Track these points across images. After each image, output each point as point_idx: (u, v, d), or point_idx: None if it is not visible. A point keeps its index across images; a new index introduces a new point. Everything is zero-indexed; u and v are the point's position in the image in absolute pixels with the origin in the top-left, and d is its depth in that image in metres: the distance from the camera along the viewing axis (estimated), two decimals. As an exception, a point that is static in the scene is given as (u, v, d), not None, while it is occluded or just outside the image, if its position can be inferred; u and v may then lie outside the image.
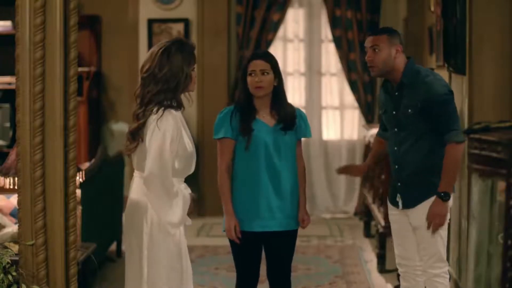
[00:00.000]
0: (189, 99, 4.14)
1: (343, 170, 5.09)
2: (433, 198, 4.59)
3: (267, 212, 4.56)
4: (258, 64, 4.55)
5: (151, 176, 3.95)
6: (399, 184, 4.72)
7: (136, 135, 4.04)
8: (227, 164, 4.58)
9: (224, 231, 4.61)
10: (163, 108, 3.98)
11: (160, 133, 3.94)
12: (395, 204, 4.76)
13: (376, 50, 4.61)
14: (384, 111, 4.78)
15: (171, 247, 4.04)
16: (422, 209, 4.61)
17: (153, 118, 3.97)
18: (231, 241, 4.58)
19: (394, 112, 4.67)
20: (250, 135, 4.53)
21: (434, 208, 4.55)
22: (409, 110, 4.59)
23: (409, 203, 4.67)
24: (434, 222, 4.56)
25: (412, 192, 4.65)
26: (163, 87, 3.99)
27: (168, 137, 3.94)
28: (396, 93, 4.66)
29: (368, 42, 4.66)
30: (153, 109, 3.99)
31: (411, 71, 4.62)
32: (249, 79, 4.56)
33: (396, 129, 4.69)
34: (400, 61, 4.63)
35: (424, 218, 4.60)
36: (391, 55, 4.60)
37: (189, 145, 4.07)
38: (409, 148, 4.63)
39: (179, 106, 4.04)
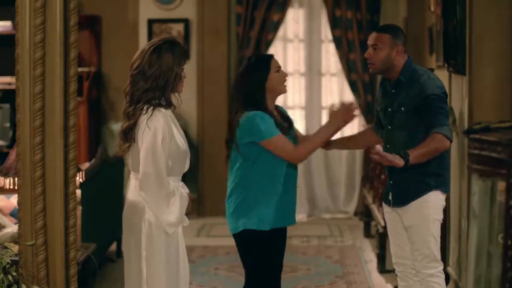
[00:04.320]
0: (179, 99, 4.14)
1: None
2: (424, 198, 4.60)
3: (295, 205, 4.60)
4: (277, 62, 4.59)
5: (145, 176, 3.95)
6: (391, 182, 4.74)
7: (128, 135, 4.05)
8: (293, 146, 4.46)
9: (236, 232, 4.51)
10: (152, 107, 3.98)
11: (150, 133, 3.94)
12: (388, 202, 4.77)
13: (376, 49, 4.62)
14: (380, 108, 4.80)
15: (169, 247, 4.04)
16: (414, 209, 4.62)
17: (143, 118, 3.98)
18: (254, 241, 4.53)
19: (389, 109, 4.69)
20: (288, 133, 4.51)
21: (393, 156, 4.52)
22: (402, 108, 4.61)
23: (399, 202, 4.68)
24: (382, 155, 4.46)
25: (402, 191, 4.67)
26: (152, 85, 3.99)
27: (159, 136, 3.94)
28: (393, 91, 4.68)
29: (371, 39, 4.66)
30: (143, 108, 3.99)
31: (409, 70, 4.63)
32: (277, 75, 4.52)
33: (389, 127, 4.72)
34: (400, 60, 4.63)
35: (415, 218, 4.61)
36: (390, 56, 4.61)
37: (182, 143, 4.06)
38: (400, 146, 4.63)
39: (168, 105, 4.04)
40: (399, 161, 4.41)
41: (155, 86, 4.00)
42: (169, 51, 4.02)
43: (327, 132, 4.55)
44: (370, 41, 4.66)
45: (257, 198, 4.49)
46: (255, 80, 4.51)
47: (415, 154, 4.44)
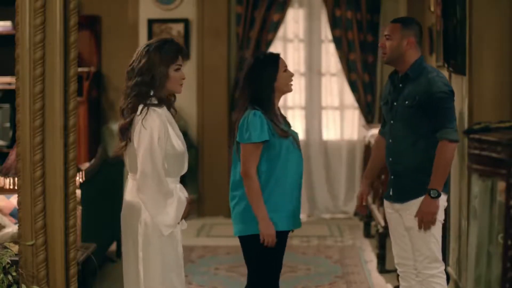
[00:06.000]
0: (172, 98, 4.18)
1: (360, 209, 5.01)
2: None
3: (299, 208, 4.57)
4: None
5: (143, 177, 3.95)
6: (392, 177, 4.75)
7: (124, 134, 4.07)
8: (256, 170, 4.41)
9: (244, 235, 4.45)
10: (146, 107, 4.00)
11: (147, 133, 3.96)
12: (389, 198, 4.77)
13: (388, 39, 4.68)
14: (385, 102, 4.82)
15: (165, 248, 4.04)
16: (414, 209, 4.62)
17: (138, 119, 3.99)
18: (261, 245, 4.43)
19: (394, 103, 4.71)
20: (289, 134, 4.48)
21: (422, 205, 4.57)
22: (406, 102, 4.63)
23: (400, 197, 4.68)
24: (423, 220, 4.56)
25: (404, 187, 4.67)
26: (138, 80, 4.03)
27: (155, 136, 3.96)
28: (400, 85, 4.71)
29: (385, 29, 4.77)
30: (134, 104, 4.02)
31: (419, 67, 4.66)
32: (284, 75, 4.54)
33: (392, 121, 4.73)
34: (411, 54, 4.67)
35: (416, 219, 4.61)
36: (400, 46, 4.66)
37: (178, 144, 4.07)
38: (403, 141, 4.65)
39: (160, 104, 4.05)
40: (435, 204, 4.54)
41: (141, 81, 4.04)
42: (157, 50, 4.07)
43: (256, 211, 4.38)
44: (384, 31, 4.77)
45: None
46: (264, 79, 4.49)
47: (436, 181, 4.53)
